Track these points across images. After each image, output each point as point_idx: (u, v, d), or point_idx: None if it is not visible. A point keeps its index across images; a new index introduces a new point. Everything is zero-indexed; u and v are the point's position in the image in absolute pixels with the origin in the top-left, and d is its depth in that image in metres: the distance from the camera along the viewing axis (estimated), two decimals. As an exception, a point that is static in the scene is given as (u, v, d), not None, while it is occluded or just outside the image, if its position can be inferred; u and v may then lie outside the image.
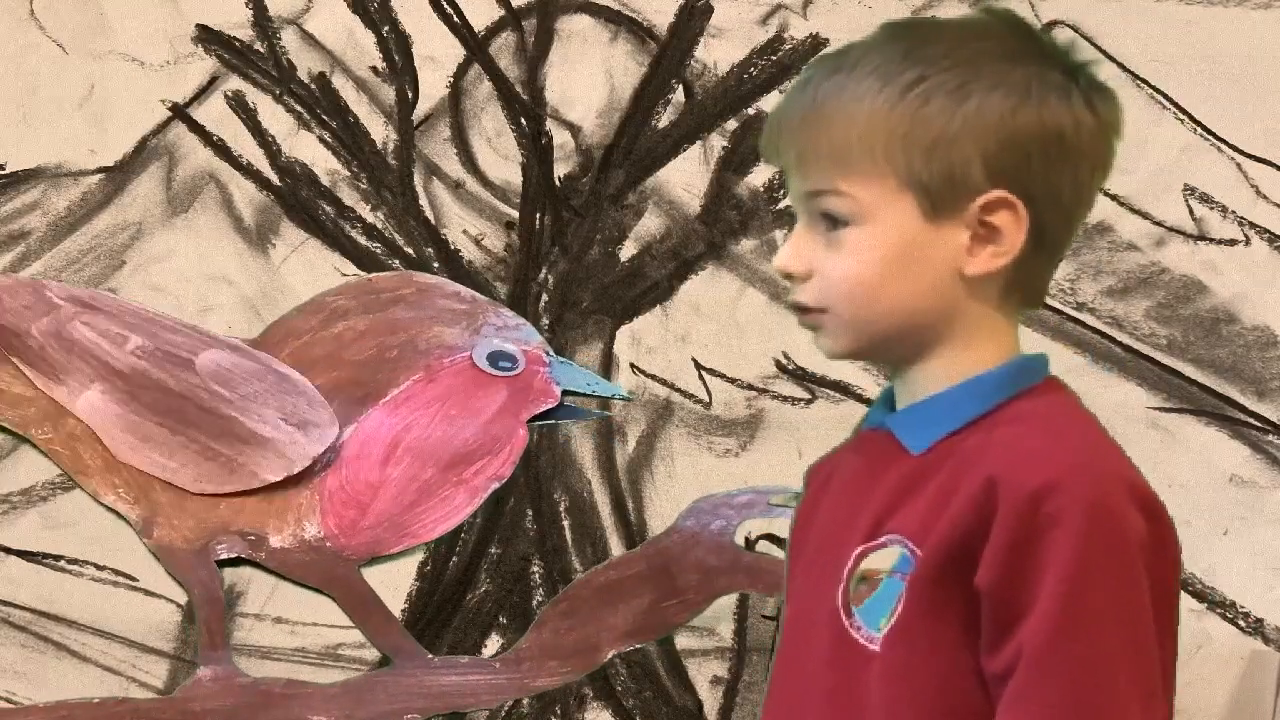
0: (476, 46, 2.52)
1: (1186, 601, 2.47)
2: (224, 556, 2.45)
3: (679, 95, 2.52)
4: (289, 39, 2.52)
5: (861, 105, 1.44)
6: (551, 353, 2.48)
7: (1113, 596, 1.37)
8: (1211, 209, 2.50)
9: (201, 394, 2.43)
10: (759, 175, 2.50)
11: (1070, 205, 1.48)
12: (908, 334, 1.47)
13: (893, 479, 1.46)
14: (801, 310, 1.49)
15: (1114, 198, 2.47)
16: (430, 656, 2.47)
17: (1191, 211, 2.50)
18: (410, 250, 2.51)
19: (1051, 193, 1.46)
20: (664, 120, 2.52)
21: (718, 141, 2.51)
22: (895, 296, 1.45)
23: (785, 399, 2.50)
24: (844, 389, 2.46)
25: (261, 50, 2.51)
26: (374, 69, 2.52)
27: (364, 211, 2.52)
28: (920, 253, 1.45)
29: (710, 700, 2.49)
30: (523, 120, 2.52)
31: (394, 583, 2.48)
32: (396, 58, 2.52)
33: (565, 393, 2.47)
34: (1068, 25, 2.47)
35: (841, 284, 1.45)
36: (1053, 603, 1.36)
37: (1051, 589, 1.36)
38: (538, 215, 2.52)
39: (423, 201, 2.52)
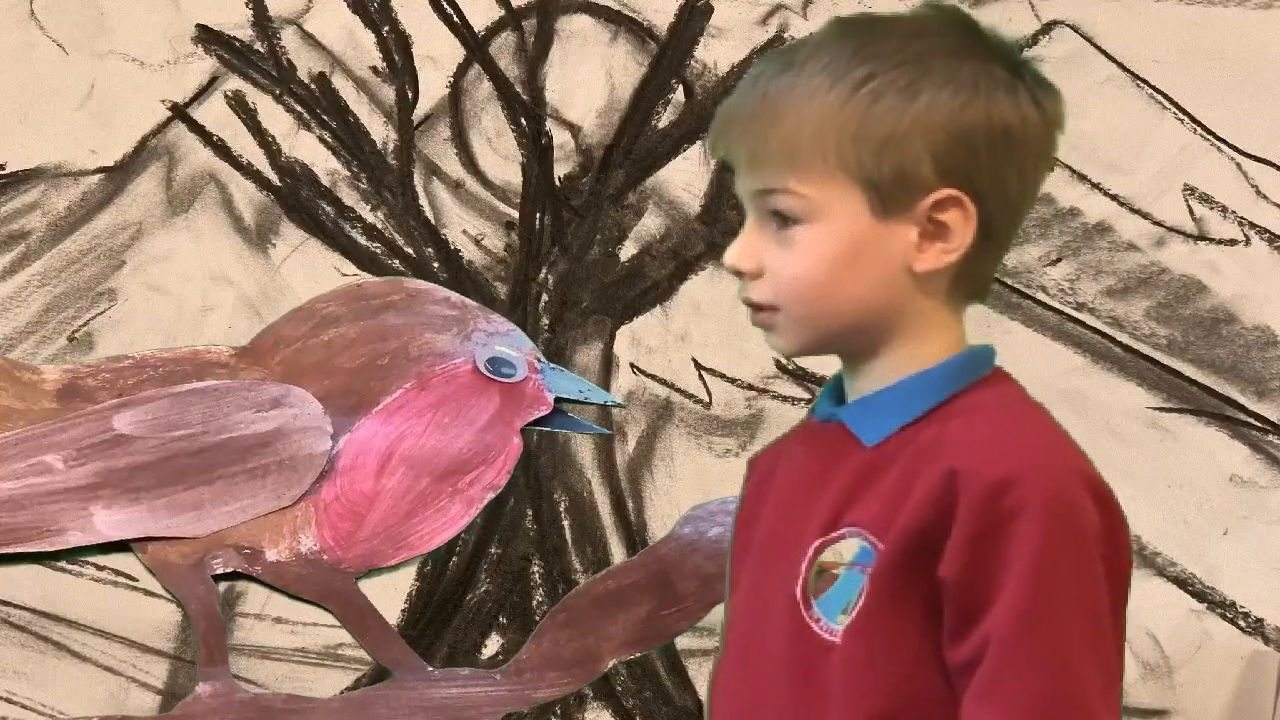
0: (476, 46, 2.52)
1: (1186, 601, 2.48)
2: (220, 571, 2.45)
3: (679, 95, 2.52)
4: (289, 39, 2.52)
5: (812, 103, 1.44)
6: (543, 359, 2.47)
7: (1074, 587, 1.39)
8: (1211, 209, 2.50)
9: (174, 445, 2.42)
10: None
11: (1016, 200, 1.48)
12: (858, 330, 1.48)
13: (848, 471, 1.47)
14: (753, 308, 1.50)
15: (1114, 198, 2.48)
16: (431, 669, 2.47)
17: (1191, 211, 2.50)
18: (410, 250, 2.51)
19: (999, 188, 1.46)
20: (664, 120, 2.52)
21: (718, 141, 2.51)
22: (845, 294, 1.46)
23: (785, 399, 2.50)
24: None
25: (261, 50, 2.51)
26: (374, 69, 2.52)
27: (364, 211, 2.52)
28: (870, 250, 1.46)
29: (710, 700, 2.49)
30: (523, 120, 2.52)
31: (394, 583, 2.48)
32: (396, 58, 2.52)
33: (559, 400, 2.46)
34: (1068, 25, 2.47)
35: (792, 282, 1.47)
36: (1018, 593, 1.37)
37: (1016, 580, 1.37)
38: (538, 215, 2.52)
39: (423, 201, 2.52)
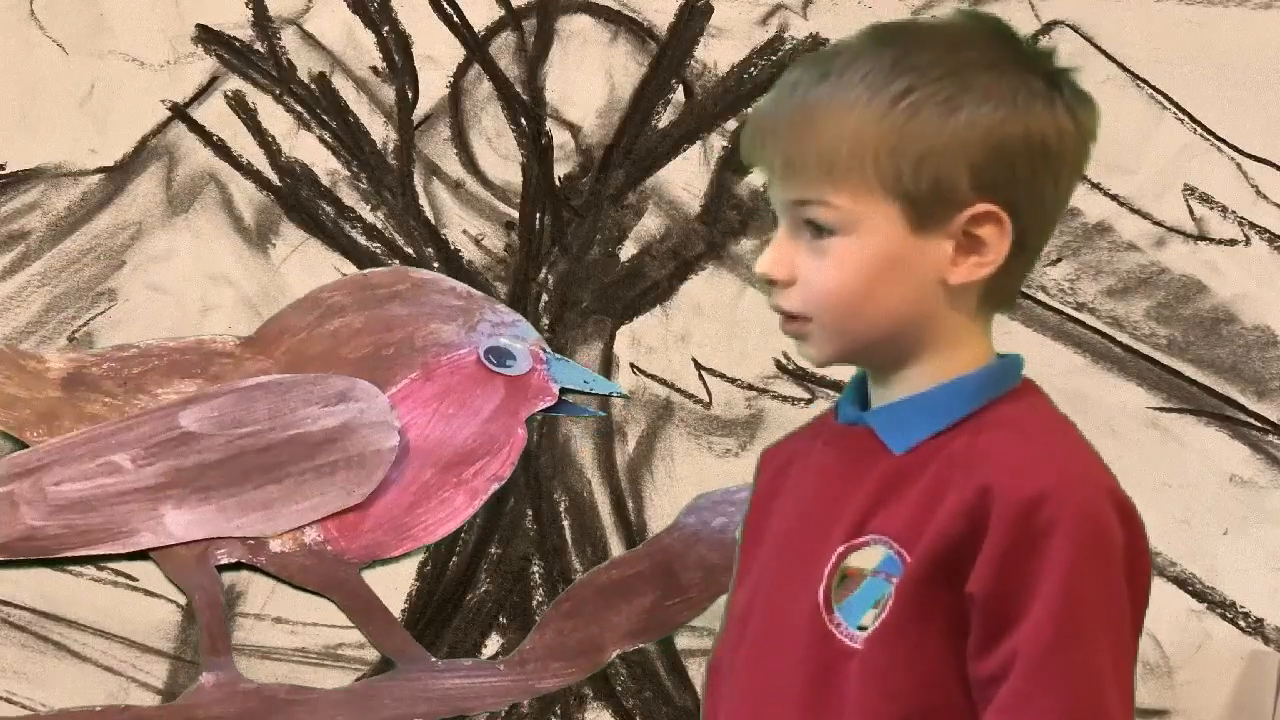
0: (476, 46, 2.52)
1: (1186, 601, 2.48)
2: (224, 561, 2.44)
3: (679, 95, 2.52)
4: (289, 39, 2.52)
5: (850, 115, 1.44)
6: (548, 350, 2.47)
7: (1102, 605, 1.40)
8: (1211, 209, 2.50)
9: (241, 443, 2.41)
10: (759, 175, 2.50)
11: (1050, 212, 1.50)
12: (890, 341, 1.48)
13: (875, 477, 1.47)
14: (784, 316, 1.50)
15: (1114, 198, 2.48)
16: (434, 660, 2.47)
17: (1191, 211, 2.50)
18: (410, 250, 2.51)
19: (1034, 201, 1.47)
20: (664, 120, 2.52)
21: (718, 141, 2.51)
22: (879, 306, 1.47)
23: (785, 399, 2.50)
24: (843, 389, 2.46)
25: (261, 50, 2.51)
26: (374, 69, 2.52)
27: (364, 211, 2.52)
28: (905, 263, 1.46)
29: (710, 700, 2.49)
30: (523, 120, 2.52)
31: (394, 583, 2.48)
32: (396, 58, 2.52)
33: (563, 390, 2.46)
34: (1068, 25, 2.47)
35: (826, 293, 1.47)
36: (1048, 609, 1.38)
37: (1046, 597, 1.38)
38: (538, 215, 2.52)
39: (423, 201, 2.52)
